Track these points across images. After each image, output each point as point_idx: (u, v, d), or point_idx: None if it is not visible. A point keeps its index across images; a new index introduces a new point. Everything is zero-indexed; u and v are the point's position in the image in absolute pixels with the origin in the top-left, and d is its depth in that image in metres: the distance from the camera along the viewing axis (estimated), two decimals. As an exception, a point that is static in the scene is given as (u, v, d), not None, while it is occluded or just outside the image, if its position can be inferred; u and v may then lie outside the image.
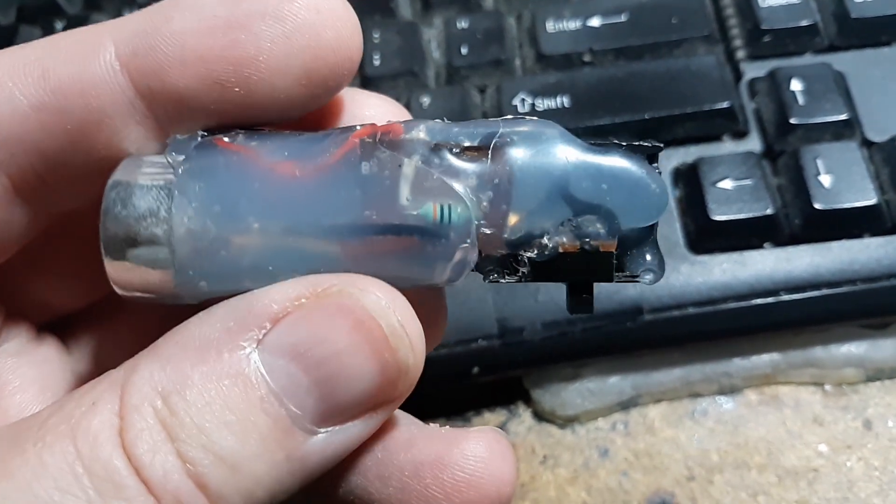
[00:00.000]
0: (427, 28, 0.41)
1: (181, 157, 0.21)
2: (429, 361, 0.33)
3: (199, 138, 0.22)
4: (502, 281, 0.22)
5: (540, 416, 0.35)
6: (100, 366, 0.27)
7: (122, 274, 0.21)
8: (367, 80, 0.39)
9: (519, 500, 0.33)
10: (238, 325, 0.19)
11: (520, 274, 0.21)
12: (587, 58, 0.39)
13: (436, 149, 0.21)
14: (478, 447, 0.23)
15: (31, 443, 0.18)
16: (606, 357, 0.35)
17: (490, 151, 0.21)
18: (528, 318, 0.34)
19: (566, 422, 0.35)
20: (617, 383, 0.35)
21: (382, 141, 0.21)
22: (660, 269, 0.22)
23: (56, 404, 0.19)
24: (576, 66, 0.39)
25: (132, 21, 0.22)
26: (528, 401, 0.36)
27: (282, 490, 0.19)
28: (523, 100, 0.38)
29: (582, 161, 0.21)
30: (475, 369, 0.34)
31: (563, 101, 0.37)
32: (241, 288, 0.20)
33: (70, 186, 0.24)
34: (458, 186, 0.21)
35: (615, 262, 0.21)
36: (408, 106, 0.38)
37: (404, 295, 0.20)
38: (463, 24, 0.40)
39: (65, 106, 0.22)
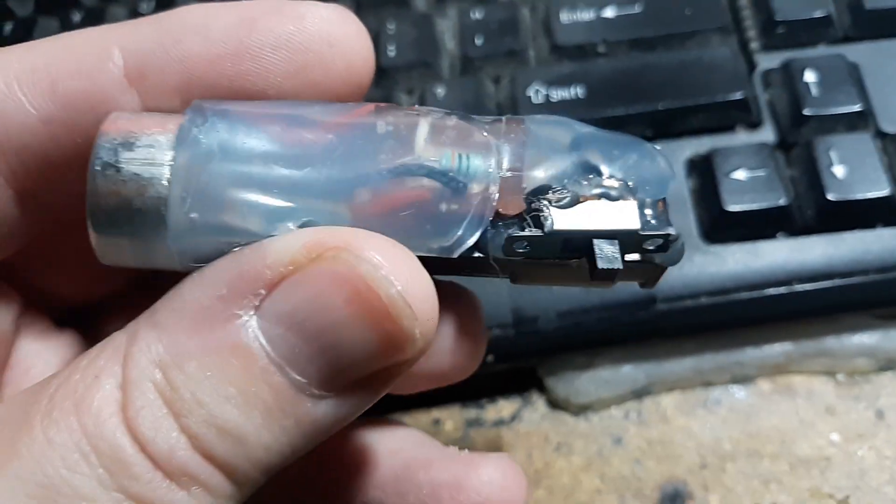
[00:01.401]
0: (441, 19, 0.41)
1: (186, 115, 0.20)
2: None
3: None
4: (524, 234, 0.20)
5: (554, 404, 0.36)
6: None
7: (110, 243, 0.20)
8: (382, 71, 0.39)
9: (533, 487, 0.34)
10: (231, 292, 0.19)
11: (545, 226, 0.20)
12: (601, 49, 0.39)
13: (450, 113, 0.21)
14: (495, 473, 0.24)
15: (39, 419, 0.18)
16: (620, 346, 0.35)
17: (504, 119, 0.21)
18: (542, 307, 0.34)
19: (580, 410, 0.35)
20: (630, 372, 0.35)
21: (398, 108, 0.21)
22: (681, 245, 0.22)
23: (64, 373, 0.19)
24: (590, 57, 0.39)
25: (141, 34, 0.22)
26: (542, 389, 0.36)
27: (297, 452, 0.19)
28: (537, 90, 0.38)
29: (593, 130, 0.22)
30: (490, 357, 0.34)
31: (577, 91, 0.37)
32: (235, 240, 0.19)
33: (78, 188, 0.24)
34: (477, 137, 0.21)
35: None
36: (422, 97, 0.39)
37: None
38: (477, 14, 0.41)
39: (75, 120, 0.22)
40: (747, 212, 0.34)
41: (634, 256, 0.22)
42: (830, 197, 0.33)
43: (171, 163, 0.19)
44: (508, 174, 0.20)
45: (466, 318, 0.26)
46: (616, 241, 0.21)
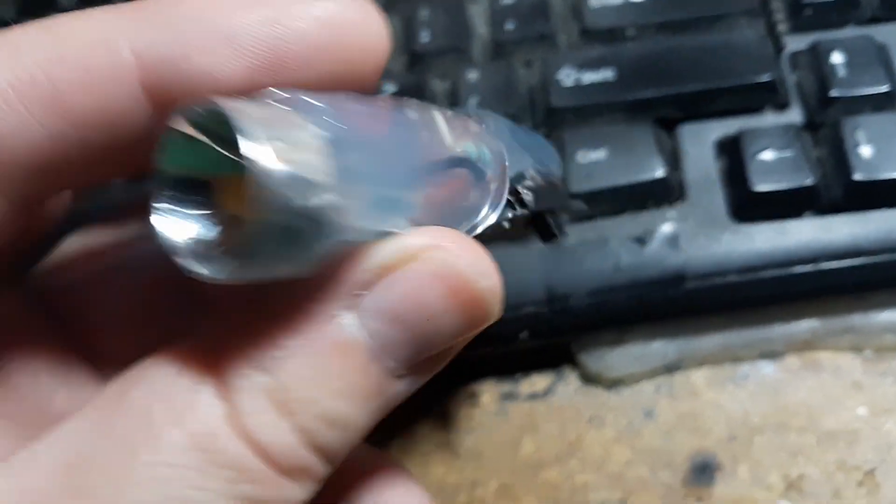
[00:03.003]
0: (473, 4, 0.42)
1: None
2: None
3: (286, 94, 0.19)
4: (511, 214, 0.24)
5: (586, 378, 0.37)
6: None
7: (268, 257, 0.18)
8: (415, 57, 0.40)
9: (566, 459, 0.35)
10: (332, 294, 0.19)
11: (521, 209, 0.24)
12: (630, 32, 0.40)
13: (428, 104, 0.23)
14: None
15: (147, 444, 0.18)
16: (650, 323, 0.36)
17: (463, 112, 0.24)
18: (574, 285, 0.35)
19: (612, 384, 0.36)
20: (661, 348, 0.36)
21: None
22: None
23: (145, 388, 0.19)
24: (619, 41, 0.40)
25: (154, 33, 0.20)
26: (574, 364, 0.37)
27: (374, 425, 0.21)
28: (568, 74, 0.39)
29: (510, 122, 0.26)
30: (524, 334, 0.35)
31: (608, 74, 0.38)
32: (357, 238, 0.19)
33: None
34: (473, 128, 0.23)
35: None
36: (455, 83, 0.40)
37: None
38: None
39: (85, 137, 0.20)
40: (775, 192, 0.34)
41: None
42: (857, 177, 0.34)
43: (330, 164, 0.18)
44: (506, 163, 0.23)
45: None
46: (560, 216, 0.27)
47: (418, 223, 0.21)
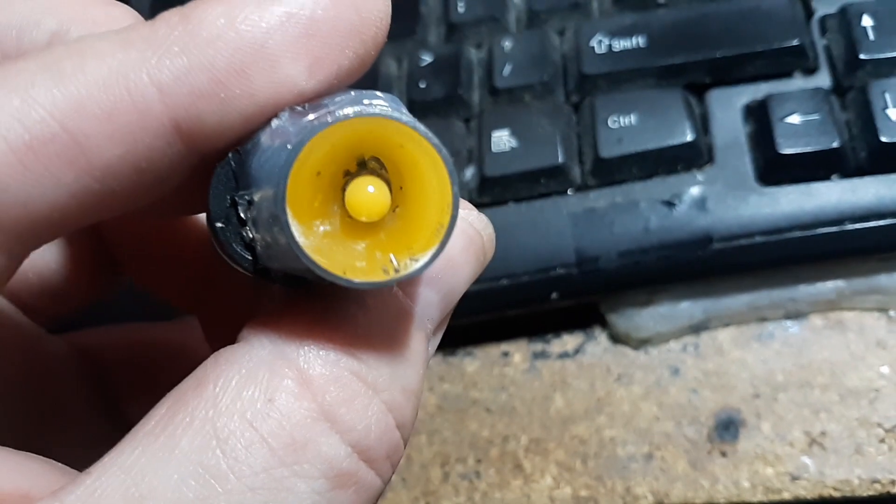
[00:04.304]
0: (508, -26, 0.43)
1: None
2: (511, 287, 0.36)
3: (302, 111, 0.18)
4: None
5: (615, 338, 0.38)
6: None
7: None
8: (452, 26, 0.42)
9: (595, 415, 0.36)
10: None
11: None
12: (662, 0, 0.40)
13: None
14: None
15: (212, 457, 0.16)
16: (678, 284, 0.37)
17: None
18: (603, 247, 0.36)
19: (640, 344, 0.38)
20: (688, 308, 0.37)
21: None
22: None
23: (206, 400, 0.17)
24: (651, 8, 0.40)
25: (175, 62, 0.17)
26: (604, 324, 0.38)
27: None
28: (600, 41, 0.39)
29: None
30: (554, 295, 0.37)
31: (639, 41, 0.39)
32: None
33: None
34: None
35: None
36: (490, 51, 0.41)
37: None
38: (542, -31, 0.42)
39: (114, 188, 0.17)
40: (801, 154, 0.35)
41: None
42: (884, 139, 0.34)
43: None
44: None
45: None
46: None
47: None
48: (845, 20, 0.37)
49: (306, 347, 0.17)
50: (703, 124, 0.38)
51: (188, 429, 0.16)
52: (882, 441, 0.34)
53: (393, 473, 0.19)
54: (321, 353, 0.17)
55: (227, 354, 0.17)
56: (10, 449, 0.18)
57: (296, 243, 0.16)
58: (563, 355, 0.38)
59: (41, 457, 0.19)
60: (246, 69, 0.17)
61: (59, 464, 0.19)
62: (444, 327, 0.22)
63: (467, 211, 0.21)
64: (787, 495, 0.33)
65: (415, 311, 0.20)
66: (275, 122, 0.17)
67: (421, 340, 0.19)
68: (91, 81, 0.16)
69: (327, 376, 0.17)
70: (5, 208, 0.16)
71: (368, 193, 0.17)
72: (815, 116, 0.35)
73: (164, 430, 0.16)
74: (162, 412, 0.17)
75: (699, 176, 0.37)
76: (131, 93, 0.16)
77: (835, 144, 0.35)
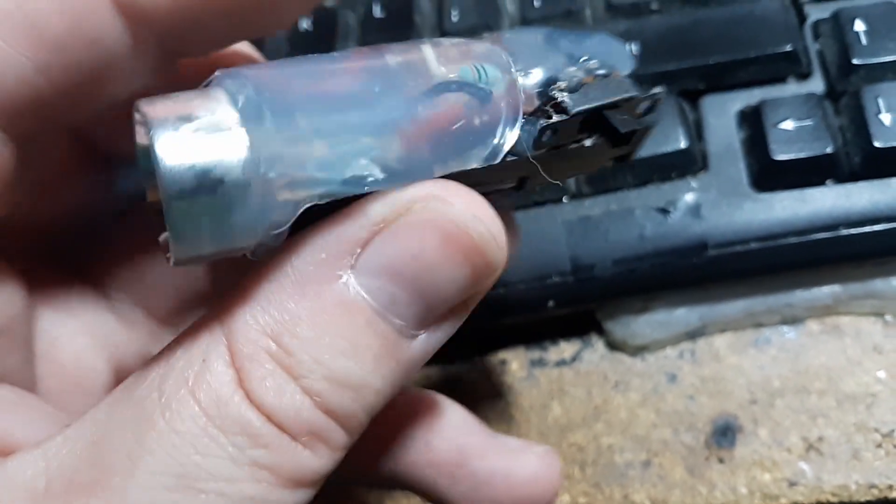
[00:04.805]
0: (501, -18, 0.43)
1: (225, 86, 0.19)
2: (508, 296, 0.36)
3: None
4: (553, 121, 0.22)
5: (612, 345, 0.38)
6: (142, 305, 0.28)
7: (193, 235, 0.19)
8: (445, 35, 0.42)
9: (593, 422, 0.36)
10: (330, 255, 0.20)
11: (567, 111, 0.22)
12: (654, 6, 0.40)
13: (437, 39, 0.22)
14: (540, 466, 0.28)
15: (159, 412, 0.19)
16: (674, 290, 0.37)
17: (484, 35, 0.23)
18: (598, 255, 0.36)
19: (636, 351, 0.38)
20: (684, 315, 0.37)
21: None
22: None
23: (162, 364, 0.20)
24: (643, 14, 0.40)
25: None
26: (600, 331, 0.38)
27: (394, 391, 0.21)
28: (594, 49, 0.39)
29: (556, 28, 0.24)
30: (550, 303, 0.37)
31: (632, 48, 0.39)
32: (312, 192, 0.20)
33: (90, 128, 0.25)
34: (479, 49, 0.22)
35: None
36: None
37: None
38: (536, -24, 0.42)
39: (71, 62, 0.20)
40: (794, 160, 0.35)
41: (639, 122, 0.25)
42: (877, 144, 0.34)
43: (240, 128, 0.19)
44: (520, 74, 0.22)
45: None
46: (622, 110, 0.24)
47: (407, 164, 0.20)
48: (838, 25, 0.37)
49: (239, 325, 0.19)
50: (696, 131, 0.38)
51: (142, 381, 0.20)
52: (879, 446, 0.34)
53: (338, 455, 0.20)
54: (248, 333, 0.19)
55: (188, 329, 0.20)
56: None
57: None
58: (561, 363, 0.38)
59: (22, 391, 0.23)
60: None
61: (40, 400, 0.24)
62: (444, 331, 0.21)
63: (444, 205, 0.20)
64: (784, 501, 0.33)
65: (369, 306, 0.20)
66: None
67: (377, 336, 0.20)
68: None
69: (245, 353, 0.19)
70: None
71: None
72: (808, 122, 0.36)
73: (128, 387, 0.20)
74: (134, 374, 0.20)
75: (693, 183, 0.37)
76: None
77: (829, 150, 0.35)
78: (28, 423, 0.22)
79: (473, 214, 0.20)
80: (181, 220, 0.18)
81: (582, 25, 0.41)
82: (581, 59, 0.23)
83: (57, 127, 0.23)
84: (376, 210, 0.20)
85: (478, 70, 0.21)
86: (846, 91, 0.36)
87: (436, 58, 0.21)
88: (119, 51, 0.21)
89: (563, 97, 0.22)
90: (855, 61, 0.36)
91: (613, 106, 0.23)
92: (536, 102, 0.22)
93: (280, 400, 0.19)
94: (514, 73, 0.22)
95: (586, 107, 0.23)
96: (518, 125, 0.22)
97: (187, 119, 0.18)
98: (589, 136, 0.24)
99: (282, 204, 0.19)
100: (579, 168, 0.27)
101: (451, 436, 0.27)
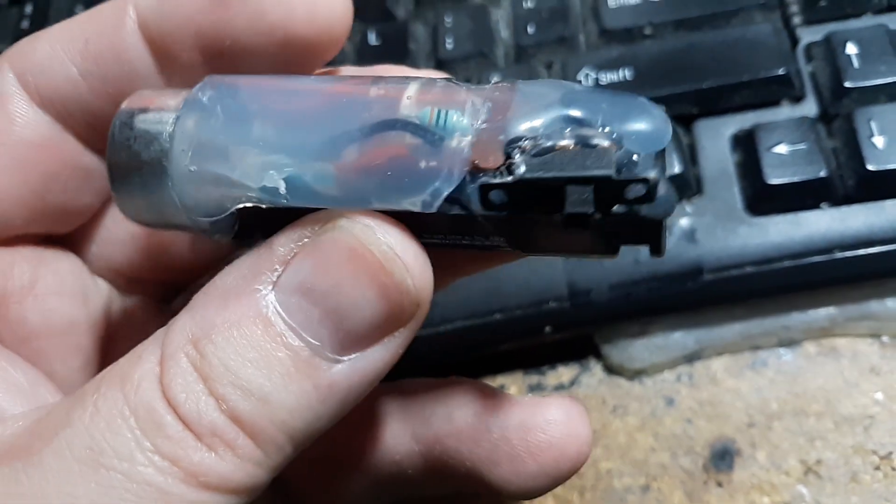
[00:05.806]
0: (495, 9, 0.44)
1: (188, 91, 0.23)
2: (505, 321, 0.36)
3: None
4: (494, 181, 0.20)
5: (610, 369, 0.38)
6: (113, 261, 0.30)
7: (127, 197, 0.23)
8: (440, 62, 0.42)
9: (592, 446, 0.36)
10: (252, 272, 0.21)
11: (514, 174, 0.20)
12: (648, 31, 0.41)
13: (447, 78, 0.22)
14: (558, 413, 0.27)
15: (90, 394, 0.21)
16: (671, 314, 0.37)
17: (494, 82, 0.22)
18: (595, 280, 0.37)
19: (634, 374, 0.38)
20: (681, 338, 0.37)
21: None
22: (669, 194, 0.20)
23: (116, 363, 0.22)
24: (637, 40, 0.41)
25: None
26: (598, 356, 0.39)
27: (317, 418, 0.21)
28: (587, 74, 0.40)
29: (589, 89, 0.21)
30: (548, 328, 0.37)
31: (626, 73, 0.39)
32: (232, 192, 0.22)
33: None
34: (460, 96, 0.21)
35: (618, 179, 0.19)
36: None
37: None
38: (529, 3, 0.43)
39: (105, 73, 0.26)
40: (788, 184, 0.35)
41: (620, 209, 0.20)
42: (870, 167, 0.35)
43: (175, 121, 0.22)
44: (485, 126, 0.20)
45: None
46: (589, 187, 0.19)
47: (344, 191, 0.21)
48: (830, 48, 0.37)
49: (174, 328, 0.21)
50: (690, 155, 0.38)
51: (88, 384, 0.21)
52: (877, 468, 0.34)
53: (250, 468, 0.21)
54: (176, 336, 0.21)
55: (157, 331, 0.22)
56: None
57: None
58: (559, 387, 0.38)
59: (19, 362, 0.26)
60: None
61: (36, 371, 0.27)
62: (369, 360, 0.21)
63: (356, 226, 0.21)
64: (783, 525, 0.33)
65: (282, 321, 0.21)
66: None
67: (288, 351, 0.21)
68: (109, 7, 0.27)
69: (168, 353, 0.21)
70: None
71: None
72: (802, 146, 0.36)
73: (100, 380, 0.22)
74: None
75: (688, 207, 0.37)
76: (120, 13, 0.26)
77: (822, 174, 0.35)
78: (13, 395, 0.25)
79: (378, 234, 0.21)
80: (118, 184, 0.23)
81: (575, 52, 0.41)
82: (576, 125, 0.20)
83: (89, 119, 0.27)
84: (297, 230, 0.21)
85: (437, 115, 0.20)
86: (839, 114, 0.36)
87: (413, 95, 0.21)
88: (142, 68, 0.26)
89: (520, 159, 0.20)
90: (847, 84, 0.36)
91: (583, 181, 0.19)
92: (502, 159, 0.20)
93: (187, 397, 0.20)
94: (477, 125, 0.20)
95: (535, 175, 0.20)
96: (458, 177, 0.20)
97: (146, 108, 0.23)
98: (556, 211, 0.20)
99: (205, 194, 0.22)
100: (558, 248, 0.23)
101: (469, 403, 0.27)
